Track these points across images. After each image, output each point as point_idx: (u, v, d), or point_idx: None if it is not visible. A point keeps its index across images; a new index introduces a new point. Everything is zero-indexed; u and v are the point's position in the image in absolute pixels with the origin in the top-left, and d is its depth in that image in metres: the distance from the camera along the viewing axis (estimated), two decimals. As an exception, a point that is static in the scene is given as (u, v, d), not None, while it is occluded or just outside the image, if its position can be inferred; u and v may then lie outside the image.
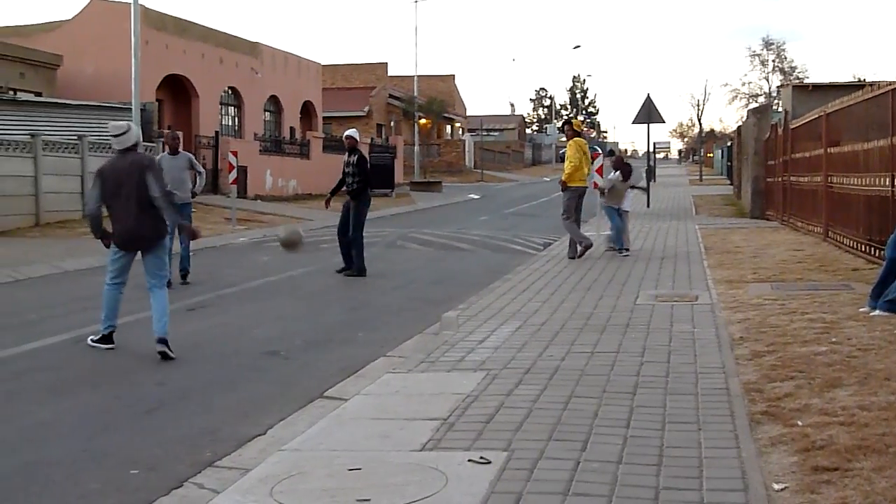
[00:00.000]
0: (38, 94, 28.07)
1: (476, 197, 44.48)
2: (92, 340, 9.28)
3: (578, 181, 15.90)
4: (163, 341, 8.76)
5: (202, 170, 14.84)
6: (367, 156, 16.80)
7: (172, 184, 12.23)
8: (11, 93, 25.89)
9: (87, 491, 5.36)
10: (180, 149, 14.41)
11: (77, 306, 12.09)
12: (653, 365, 7.63)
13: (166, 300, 9.02)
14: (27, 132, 22.24)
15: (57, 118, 24.40)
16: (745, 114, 44.27)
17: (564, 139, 16.80)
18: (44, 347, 9.47)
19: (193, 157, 14.62)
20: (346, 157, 15.12)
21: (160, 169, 9.41)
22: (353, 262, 14.95)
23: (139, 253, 9.19)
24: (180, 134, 19.25)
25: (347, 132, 15.63)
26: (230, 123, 38.90)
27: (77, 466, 5.80)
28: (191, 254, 14.23)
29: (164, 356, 8.72)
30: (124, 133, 9.10)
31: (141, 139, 9.79)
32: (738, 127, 40.00)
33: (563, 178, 16.00)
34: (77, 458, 5.97)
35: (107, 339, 9.22)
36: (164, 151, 14.57)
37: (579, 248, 15.97)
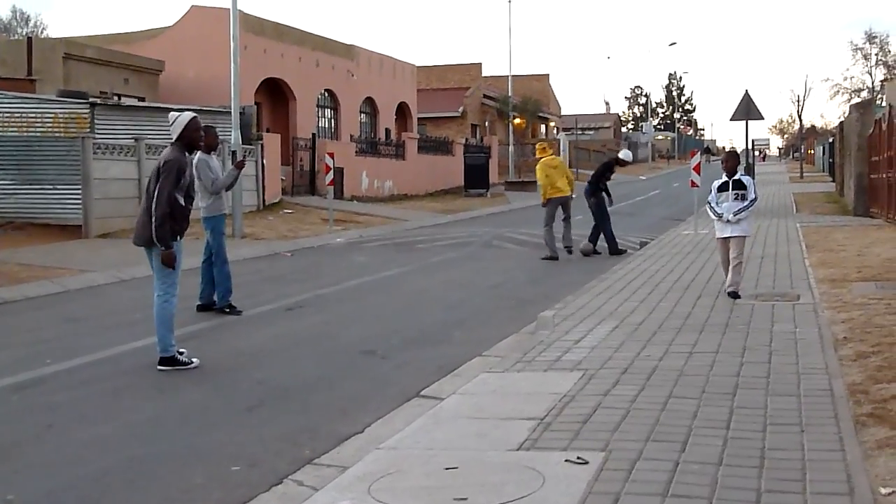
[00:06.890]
0: (142, 99, 28.77)
1: (573, 196, 44.10)
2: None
3: (552, 194, 17.95)
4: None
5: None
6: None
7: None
8: (116, 98, 26.59)
9: (190, 485, 5.48)
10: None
11: (179, 306, 12.30)
12: (753, 365, 7.50)
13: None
14: (131, 136, 22.80)
15: (159, 122, 24.85)
16: (847, 109, 43.15)
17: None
18: (149, 346, 9.65)
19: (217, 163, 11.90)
20: None
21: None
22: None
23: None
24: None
25: None
26: (327, 125, 39.31)
27: (181, 462, 5.93)
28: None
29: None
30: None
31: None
32: (841, 123, 39.02)
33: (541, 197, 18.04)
34: (181, 453, 6.12)
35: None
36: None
37: (548, 252, 17.46)
